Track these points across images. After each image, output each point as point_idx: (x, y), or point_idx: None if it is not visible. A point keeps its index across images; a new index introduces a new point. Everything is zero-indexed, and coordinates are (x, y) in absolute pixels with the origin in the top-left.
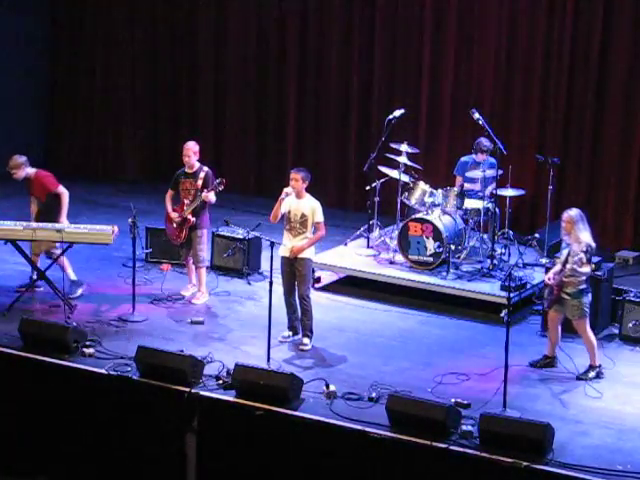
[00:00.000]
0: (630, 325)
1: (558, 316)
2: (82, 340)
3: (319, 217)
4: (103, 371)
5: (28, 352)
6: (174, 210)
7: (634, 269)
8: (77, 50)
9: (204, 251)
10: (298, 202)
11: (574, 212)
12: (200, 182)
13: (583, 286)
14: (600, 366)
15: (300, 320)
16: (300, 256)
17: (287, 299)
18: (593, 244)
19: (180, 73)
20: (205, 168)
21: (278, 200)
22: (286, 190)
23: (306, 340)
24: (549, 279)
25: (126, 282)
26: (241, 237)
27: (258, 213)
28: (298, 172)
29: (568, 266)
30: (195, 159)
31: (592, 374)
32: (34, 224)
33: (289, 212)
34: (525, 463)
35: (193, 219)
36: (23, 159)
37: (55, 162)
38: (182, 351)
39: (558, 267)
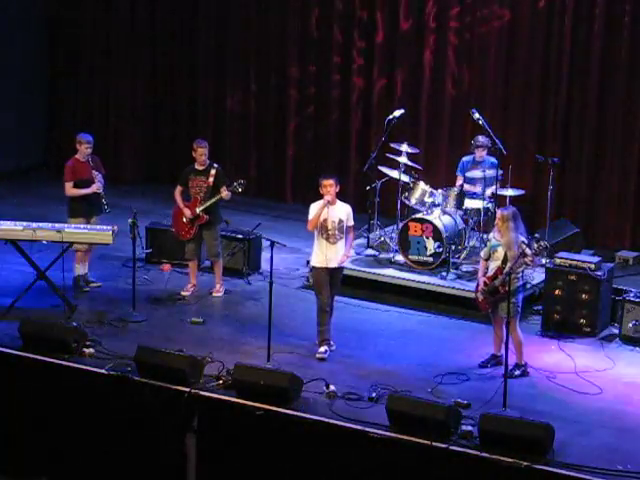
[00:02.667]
0: (630, 325)
1: (500, 318)
2: (82, 340)
3: (352, 221)
4: (103, 371)
5: (28, 352)
6: (186, 206)
7: (634, 269)
8: (77, 50)
9: (219, 246)
10: (332, 208)
11: (508, 210)
12: (211, 179)
13: (519, 283)
14: (526, 364)
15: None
16: (341, 265)
17: (327, 311)
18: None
19: (180, 73)
20: (215, 165)
21: (319, 207)
22: (327, 198)
23: (322, 348)
24: (486, 282)
25: (126, 282)
26: (241, 237)
27: (258, 213)
28: (330, 178)
29: (527, 256)
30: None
31: (517, 372)
32: (34, 224)
33: (325, 220)
34: (525, 463)
35: (206, 217)
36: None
37: (55, 162)
38: (182, 351)
39: (496, 264)
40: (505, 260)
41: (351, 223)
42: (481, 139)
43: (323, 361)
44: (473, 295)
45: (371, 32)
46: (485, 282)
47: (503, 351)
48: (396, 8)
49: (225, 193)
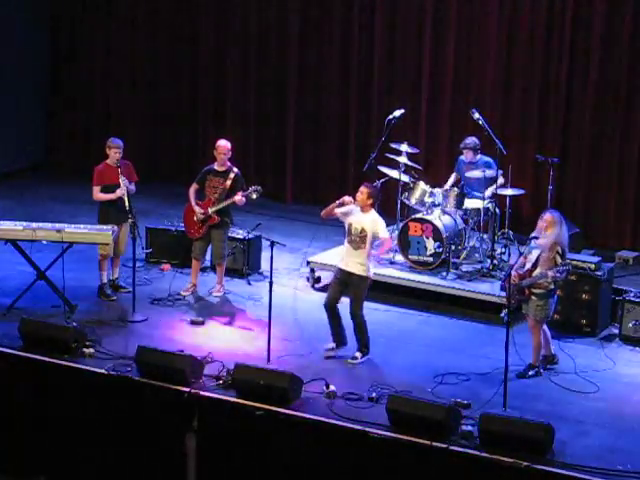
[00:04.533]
0: (630, 325)
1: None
2: (82, 340)
3: (383, 233)
4: (103, 371)
5: (28, 352)
6: (198, 205)
7: (634, 269)
8: (77, 50)
9: (225, 248)
10: (361, 216)
11: (555, 214)
12: (229, 182)
13: (552, 287)
14: (539, 366)
15: (355, 335)
16: (357, 273)
17: (328, 308)
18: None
19: (180, 73)
20: (235, 169)
21: (337, 201)
22: (345, 199)
23: (358, 354)
24: (515, 279)
25: (126, 282)
26: (241, 237)
27: (258, 213)
28: (367, 187)
29: (550, 273)
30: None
31: (531, 372)
32: (34, 224)
33: (350, 225)
34: (525, 463)
35: (218, 218)
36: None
37: (55, 162)
38: (182, 351)
39: (527, 266)
40: (537, 263)
41: (382, 235)
42: (468, 140)
43: (328, 358)
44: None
45: (371, 32)
46: (515, 277)
47: (550, 351)
48: (396, 8)
49: (239, 198)
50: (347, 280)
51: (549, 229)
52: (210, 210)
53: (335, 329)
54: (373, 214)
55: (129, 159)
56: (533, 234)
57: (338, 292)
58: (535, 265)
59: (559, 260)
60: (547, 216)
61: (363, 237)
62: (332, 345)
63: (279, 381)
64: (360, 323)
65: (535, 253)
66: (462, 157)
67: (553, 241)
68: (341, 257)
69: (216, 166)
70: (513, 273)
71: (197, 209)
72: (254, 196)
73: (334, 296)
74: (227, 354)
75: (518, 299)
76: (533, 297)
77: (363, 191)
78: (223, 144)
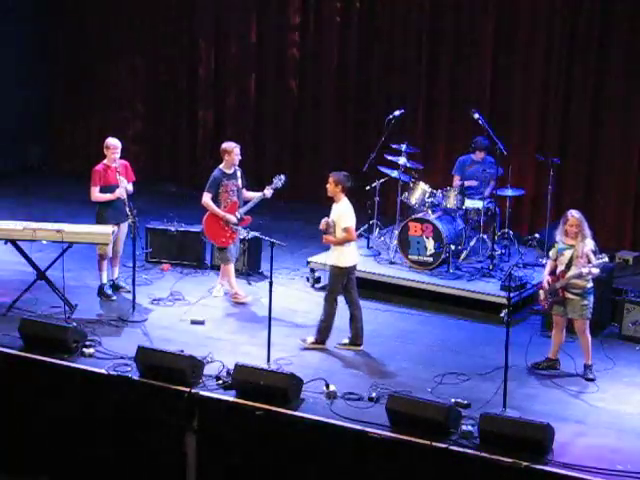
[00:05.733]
0: (630, 325)
1: (564, 319)
2: (82, 340)
3: (344, 222)
4: (103, 371)
5: (28, 352)
6: (226, 212)
7: (634, 269)
8: (77, 50)
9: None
10: (334, 206)
11: (578, 214)
12: (240, 181)
13: (590, 285)
14: (593, 364)
15: (319, 321)
16: (330, 262)
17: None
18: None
19: (181, 73)
20: (237, 166)
21: (323, 228)
22: (323, 220)
23: (310, 338)
24: (549, 282)
25: (126, 282)
26: (241, 237)
27: (258, 213)
28: (332, 176)
29: (585, 270)
30: None
31: (591, 375)
32: (34, 224)
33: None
34: (525, 463)
35: (249, 218)
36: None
37: (55, 162)
38: (182, 351)
39: (560, 268)
40: (569, 264)
41: (343, 225)
42: (483, 141)
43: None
44: (539, 293)
45: (370, 31)
46: (548, 282)
47: (559, 356)
48: (395, 8)
49: (269, 192)
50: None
51: (579, 230)
52: (240, 213)
53: (350, 324)
54: (341, 204)
55: (129, 159)
56: (558, 237)
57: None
58: (568, 266)
59: (592, 257)
60: (573, 219)
61: (335, 226)
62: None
63: (279, 381)
64: (326, 308)
65: (567, 254)
66: (463, 157)
67: (588, 239)
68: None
69: (225, 169)
70: (546, 278)
71: (230, 217)
72: (280, 185)
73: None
74: (227, 354)
75: (552, 301)
76: (575, 297)
77: (330, 181)
78: (236, 146)
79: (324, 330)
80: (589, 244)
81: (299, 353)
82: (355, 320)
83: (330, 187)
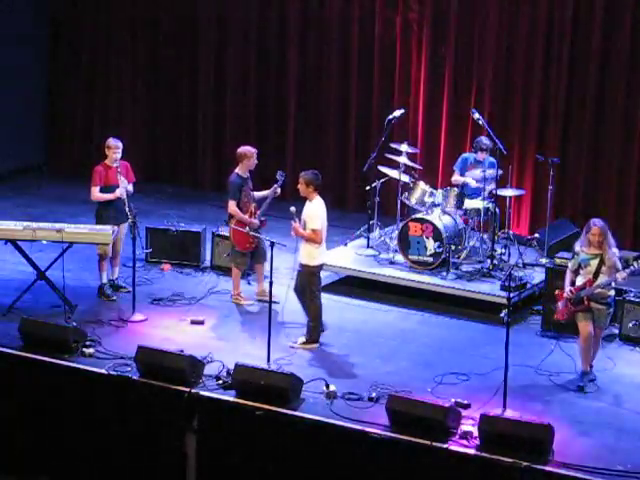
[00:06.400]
0: (630, 325)
1: (590, 327)
2: (82, 340)
3: (311, 224)
4: (103, 371)
5: (28, 352)
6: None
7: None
8: (77, 50)
9: None
10: (305, 206)
11: (602, 223)
12: (250, 183)
13: (612, 293)
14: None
15: (307, 322)
16: (302, 262)
17: (295, 293)
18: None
19: (181, 73)
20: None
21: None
22: (292, 208)
23: (300, 339)
24: (572, 291)
25: (126, 282)
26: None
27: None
28: (301, 176)
29: (619, 275)
30: None
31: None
32: (34, 224)
33: (302, 218)
34: (525, 463)
35: (266, 220)
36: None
37: (55, 162)
38: (182, 351)
39: (586, 278)
40: (597, 273)
41: (310, 226)
42: (486, 141)
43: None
44: (557, 305)
45: (370, 32)
46: (571, 291)
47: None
48: (396, 8)
49: (278, 189)
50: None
51: (603, 239)
52: (259, 216)
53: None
54: (313, 203)
55: (128, 160)
56: (580, 247)
57: (297, 278)
58: (596, 275)
59: (618, 264)
60: (596, 229)
61: (304, 226)
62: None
63: (279, 381)
64: (309, 308)
65: (594, 264)
66: (467, 155)
67: (613, 250)
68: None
69: (242, 173)
70: (567, 288)
71: (253, 222)
72: (282, 181)
73: (296, 282)
74: (227, 354)
75: (575, 310)
76: (602, 307)
77: (300, 182)
78: (255, 151)
79: (314, 330)
80: (616, 252)
81: (299, 353)
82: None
83: (302, 188)
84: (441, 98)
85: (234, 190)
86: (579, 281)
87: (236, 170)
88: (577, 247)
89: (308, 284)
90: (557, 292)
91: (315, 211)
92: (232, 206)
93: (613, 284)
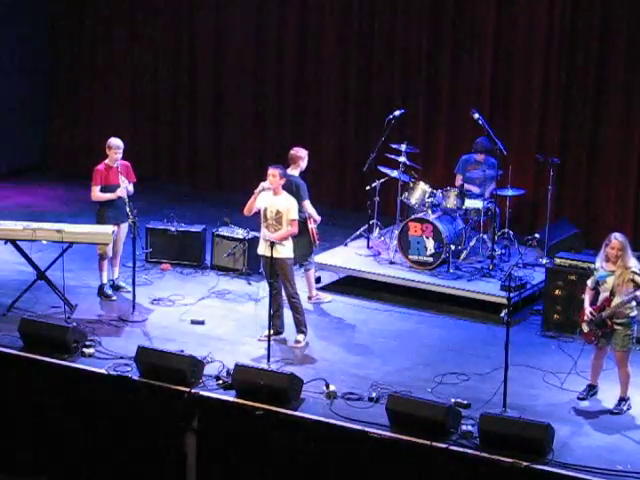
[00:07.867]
0: None
1: (607, 347)
2: (82, 340)
3: (292, 215)
4: (103, 371)
5: (28, 352)
6: None
7: None
8: (77, 50)
9: None
10: (274, 199)
11: (622, 237)
12: None
13: (634, 313)
14: (629, 398)
15: (293, 318)
16: (277, 256)
17: (271, 298)
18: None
19: (180, 73)
20: None
21: (254, 193)
22: (263, 184)
23: (300, 337)
24: (592, 313)
25: (126, 282)
26: (241, 237)
27: (258, 213)
28: (276, 168)
29: None
30: None
31: (625, 407)
32: (34, 224)
33: (265, 209)
34: (525, 463)
35: None
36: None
37: (55, 162)
38: (182, 351)
39: (604, 296)
40: (614, 291)
41: (292, 217)
42: (485, 142)
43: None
44: (582, 327)
45: (370, 31)
46: (592, 313)
47: (599, 381)
48: (395, 8)
49: None
50: (272, 264)
51: (621, 254)
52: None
53: (277, 320)
54: (286, 196)
55: (129, 160)
56: (599, 263)
57: (269, 276)
58: (613, 294)
59: (639, 279)
60: (616, 242)
61: (279, 219)
62: (268, 332)
63: (279, 381)
64: (294, 304)
65: (610, 281)
66: (466, 156)
67: (633, 260)
68: (262, 245)
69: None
70: (587, 309)
71: (318, 217)
72: None
73: (270, 285)
74: (227, 354)
75: (600, 334)
76: (619, 327)
77: (274, 173)
78: (306, 152)
79: (303, 323)
80: (635, 266)
81: (299, 353)
82: (281, 309)
83: (275, 180)
84: (441, 98)
85: (306, 190)
86: (601, 299)
87: (293, 171)
88: (597, 263)
89: (291, 277)
90: (581, 314)
91: (292, 202)
92: (309, 205)
93: (634, 303)
